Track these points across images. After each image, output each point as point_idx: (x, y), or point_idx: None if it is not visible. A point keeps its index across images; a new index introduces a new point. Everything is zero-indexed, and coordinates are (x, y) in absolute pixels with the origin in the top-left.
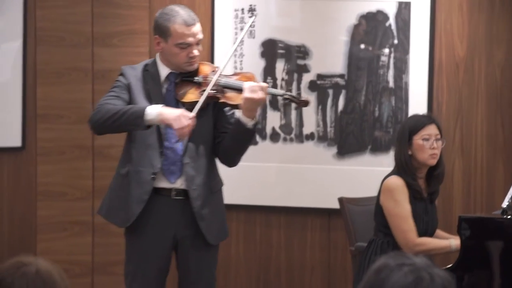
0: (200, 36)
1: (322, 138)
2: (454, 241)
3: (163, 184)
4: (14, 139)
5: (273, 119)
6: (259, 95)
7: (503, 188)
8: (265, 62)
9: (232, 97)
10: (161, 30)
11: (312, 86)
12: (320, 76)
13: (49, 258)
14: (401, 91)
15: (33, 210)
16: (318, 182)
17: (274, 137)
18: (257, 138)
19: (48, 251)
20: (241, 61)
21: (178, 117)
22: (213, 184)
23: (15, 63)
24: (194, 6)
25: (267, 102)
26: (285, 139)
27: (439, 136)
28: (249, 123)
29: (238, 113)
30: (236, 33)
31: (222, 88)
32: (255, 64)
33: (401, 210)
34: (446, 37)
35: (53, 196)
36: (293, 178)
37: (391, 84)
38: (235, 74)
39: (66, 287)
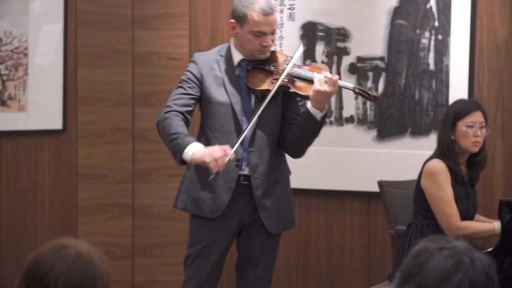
0: (275, 26)
1: (362, 121)
2: (497, 224)
3: None
4: (55, 122)
5: None
6: (330, 88)
7: None
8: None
9: (302, 88)
10: (238, 16)
11: (352, 69)
12: (360, 59)
13: (89, 241)
14: (441, 74)
15: (74, 193)
16: (358, 165)
17: None
18: None
19: (88, 234)
20: (280, 43)
21: (208, 152)
22: (278, 173)
23: (56, 46)
24: None
25: None
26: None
27: (483, 124)
28: (318, 115)
29: (307, 105)
30: None
31: (293, 78)
32: (295, 46)
33: (443, 194)
34: (487, 19)
35: (94, 178)
36: (333, 161)
37: (432, 66)
38: (307, 65)
39: (106, 270)
